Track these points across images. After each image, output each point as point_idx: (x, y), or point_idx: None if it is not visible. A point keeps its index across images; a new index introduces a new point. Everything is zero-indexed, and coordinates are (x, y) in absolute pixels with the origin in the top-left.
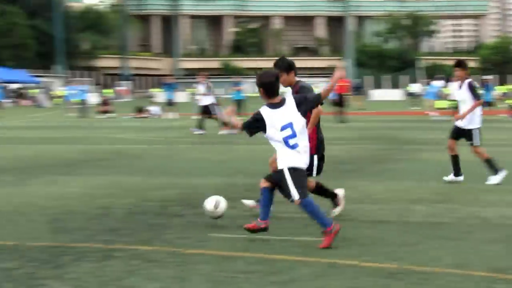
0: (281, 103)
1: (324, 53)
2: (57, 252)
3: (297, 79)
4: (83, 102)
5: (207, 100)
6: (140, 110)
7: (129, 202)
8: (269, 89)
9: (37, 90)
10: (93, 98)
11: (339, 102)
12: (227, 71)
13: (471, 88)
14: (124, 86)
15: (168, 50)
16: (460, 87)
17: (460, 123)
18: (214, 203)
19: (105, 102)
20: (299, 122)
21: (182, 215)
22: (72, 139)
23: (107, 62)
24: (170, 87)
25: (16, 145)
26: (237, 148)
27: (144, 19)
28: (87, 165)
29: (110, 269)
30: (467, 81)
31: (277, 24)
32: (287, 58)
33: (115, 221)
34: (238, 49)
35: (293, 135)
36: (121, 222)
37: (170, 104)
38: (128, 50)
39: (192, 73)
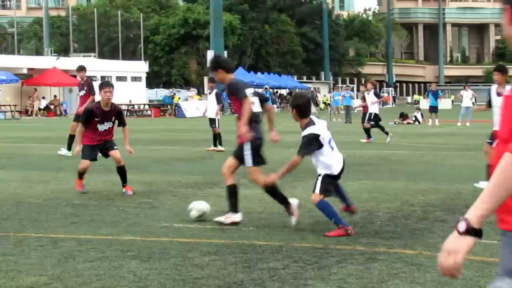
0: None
1: None
2: (321, 254)
3: (232, 76)
4: (348, 108)
5: (374, 108)
6: (404, 116)
7: (393, 206)
8: (301, 111)
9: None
10: (357, 104)
11: None
12: (490, 79)
13: None
14: (388, 93)
15: (431, 58)
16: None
17: None
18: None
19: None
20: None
21: (444, 220)
22: (338, 144)
23: (371, 69)
24: (434, 94)
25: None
26: None
27: (409, 27)
28: (352, 170)
29: (373, 272)
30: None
31: None
32: (221, 57)
33: (379, 225)
34: (502, 56)
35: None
36: (384, 226)
37: (433, 110)
38: (392, 58)
39: (455, 80)
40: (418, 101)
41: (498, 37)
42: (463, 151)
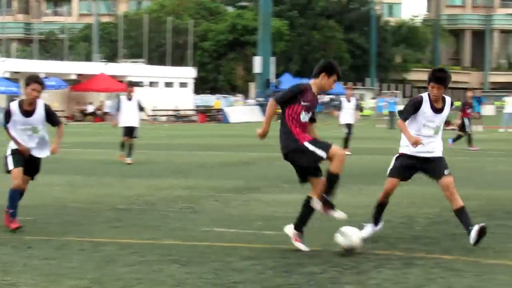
0: None
1: None
2: (359, 259)
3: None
4: (392, 114)
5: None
6: (447, 122)
7: (432, 212)
8: None
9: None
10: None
11: None
12: None
13: None
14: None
15: (477, 64)
16: None
17: None
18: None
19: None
20: None
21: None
22: (382, 150)
23: (418, 75)
24: (478, 100)
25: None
26: None
27: (456, 33)
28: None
29: (410, 277)
30: None
31: None
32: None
33: (417, 230)
34: None
35: None
36: (423, 231)
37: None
38: (439, 64)
39: (499, 86)
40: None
41: None
42: (506, 157)
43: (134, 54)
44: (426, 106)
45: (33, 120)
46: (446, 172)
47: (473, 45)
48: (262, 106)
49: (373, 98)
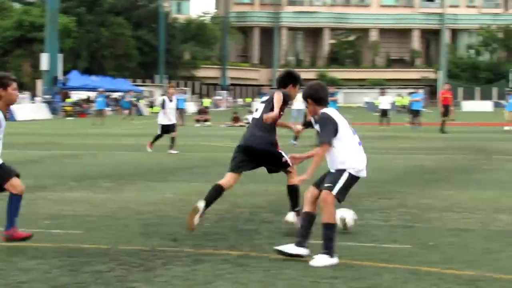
0: None
1: (418, 65)
2: (148, 256)
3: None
4: (181, 111)
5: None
6: (236, 119)
7: (221, 208)
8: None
9: (134, 98)
10: (191, 107)
11: (444, 113)
12: (323, 82)
13: None
14: (222, 96)
15: (266, 61)
16: None
17: None
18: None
19: (202, 111)
20: None
21: (271, 221)
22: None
23: (207, 72)
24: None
25: (117, 151)
26: None
27: (244, 30)
28: (183, 172)
29: (199, 273)
30: None
31: (373, 36)
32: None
33: (206, 227)
34: (335, 60)
35: None
36: (212, 227)
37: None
38: (227, 61)
39: None
40: (250, 104)
41: (333, 41)
42: (293, 152)
43: None
44: None
45: None
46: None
47: (261, 42)
48: (50, 103)
49: (162, 95)
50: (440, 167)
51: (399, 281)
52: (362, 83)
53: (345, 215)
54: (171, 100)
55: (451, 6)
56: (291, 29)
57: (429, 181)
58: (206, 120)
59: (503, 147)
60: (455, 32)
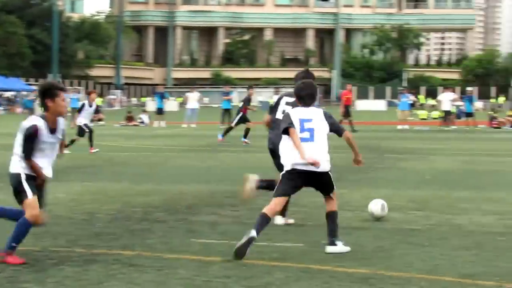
0: None
1: (312, 65)
2: (39, 257)
3: None
4: (74, 110)
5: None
6: (130, 118)
7: (114, 208)
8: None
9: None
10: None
11: (346, 113)
12: (218, 81)
13: None
14: (116, 95)
15: (160, 60)
16: None
17: None
18: (380, 206)
19: (95, 110)
20: None
21: (164, 220)
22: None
23: (101, 71)
24: (160, 96)
25: (5, 151)
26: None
27: (139, 29)
28: (75, 172)
29: (91, 273)
30: None
31: (268, 35)
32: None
33: (99, 227)
34: (230, 59)
35: None
36: (104, 227)
37: (159, 112)
38: (121, 60)
39: (183, 82)
40: (144, 104)
41: (227, 40)
42: (187, 152)
43: None
44: None
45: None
46: None
47: (156, 42)
48: None
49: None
50: (333, 165)
51: (292, 279)
52: (257, 83)
53: (372, 207)
54: (90, 106)
55: (346, 6)
56: (185, 28)
57: None
58: (100, 120)
59: (396, 146)
60: (349, 32)
